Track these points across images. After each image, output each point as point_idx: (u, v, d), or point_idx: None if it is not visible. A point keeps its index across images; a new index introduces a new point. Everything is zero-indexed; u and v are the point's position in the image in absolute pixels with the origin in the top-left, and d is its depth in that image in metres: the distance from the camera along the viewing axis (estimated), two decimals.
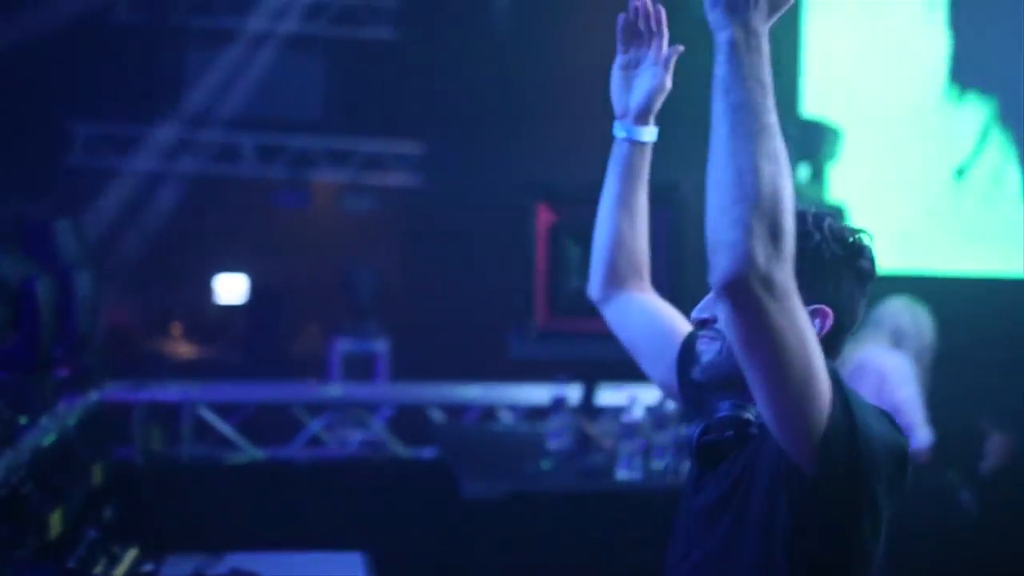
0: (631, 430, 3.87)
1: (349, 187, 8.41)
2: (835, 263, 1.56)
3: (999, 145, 4.39)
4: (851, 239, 1.59)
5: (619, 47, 1.89)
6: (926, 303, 3.93)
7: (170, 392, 4.63)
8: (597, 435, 4.15)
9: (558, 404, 4.20)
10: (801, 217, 1.54)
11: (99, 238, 6.84)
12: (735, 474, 1.55)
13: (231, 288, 8.98)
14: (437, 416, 5.10)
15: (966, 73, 4.61)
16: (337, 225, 8.74)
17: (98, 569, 2.98)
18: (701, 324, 1.62)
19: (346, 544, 3.51)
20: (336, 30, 7.85)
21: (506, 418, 5.07)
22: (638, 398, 3.94)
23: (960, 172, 4.48)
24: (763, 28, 1.34)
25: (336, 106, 8.16)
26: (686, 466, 3.87)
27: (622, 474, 3.82)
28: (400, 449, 4.96)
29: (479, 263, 7.45)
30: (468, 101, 7.56)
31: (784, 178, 1.32)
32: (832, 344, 1.57)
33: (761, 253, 1.28)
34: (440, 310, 7.53)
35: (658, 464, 3.91)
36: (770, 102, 1.33)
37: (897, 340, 4.20)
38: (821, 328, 1.54)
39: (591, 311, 4.16)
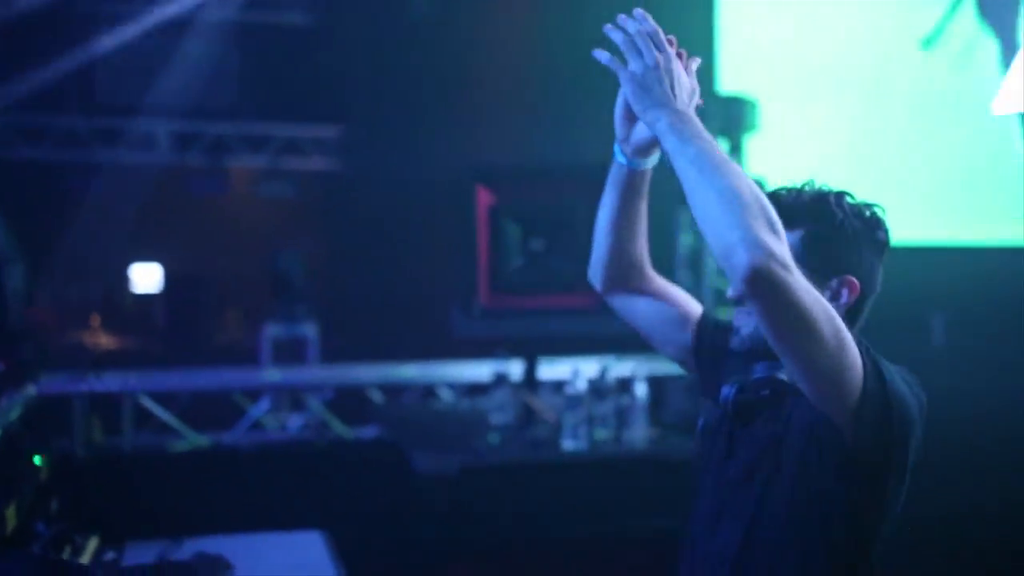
0: (574, 402, 4.00)
1: (267, 173, 8.35)
2: (856, 236, 1.71)
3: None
4: (867, 213, 1.73)
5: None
6: None
7: (109, 382, 4.59)
8: (540, 408, 4.27)
9: (500, 379, 4.30)
10: (823, 198, 1.70)
11: (12, 229, 6.66)
12: (769, 433, 1.67)
13: (147, 277, 8.87)
14: (376, 396, 5.15)
15: None
16: (256, 211, 8.69)
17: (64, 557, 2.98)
18: (738, 301, 1.69)
19: (301, 525, 3.56)
20: (249, 15, 7.77)
21: (446, 396, 5.14)
22: (580, 371, 4.06)
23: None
24: (686, 108, 1.60)
25: (251, 91, 8.08)
26: (630, 435, 4.06)
27: (568, 444, 3.95)
28: (342, 430, 5.01)
29: (402, 245, 7.48)
30: (384, 84, 7.56)
31: (751, 184, 1.50)
32: (857, 310, 1.74)
33: (768, 239, 1.44)
34: (366, 293, 7.55)
35: (601, 433, 4.05)
36: (717, 146, 1.54)
37: None
38: (849, 296, 1.70)
39: (531, 289, 4.30)
